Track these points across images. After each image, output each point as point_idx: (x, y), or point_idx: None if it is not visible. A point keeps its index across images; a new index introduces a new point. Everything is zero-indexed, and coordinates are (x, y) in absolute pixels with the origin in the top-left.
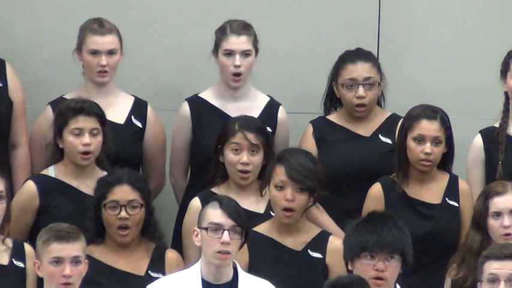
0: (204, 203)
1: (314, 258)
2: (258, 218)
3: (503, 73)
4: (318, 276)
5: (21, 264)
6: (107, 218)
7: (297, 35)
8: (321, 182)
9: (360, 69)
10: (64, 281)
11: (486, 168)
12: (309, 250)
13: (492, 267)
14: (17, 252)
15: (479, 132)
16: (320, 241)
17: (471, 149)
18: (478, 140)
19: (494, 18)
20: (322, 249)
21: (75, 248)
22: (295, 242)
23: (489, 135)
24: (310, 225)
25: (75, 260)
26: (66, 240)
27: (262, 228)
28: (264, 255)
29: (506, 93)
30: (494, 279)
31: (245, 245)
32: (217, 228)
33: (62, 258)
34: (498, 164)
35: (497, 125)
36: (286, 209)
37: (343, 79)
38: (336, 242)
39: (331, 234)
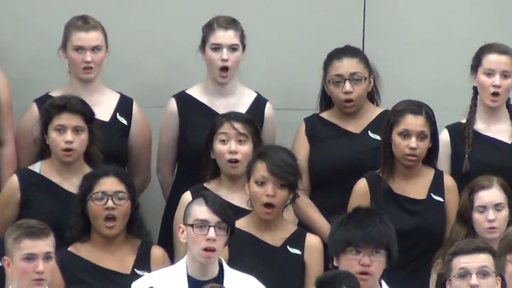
0: (196, 197)
1: (293, 254)
2: (247, 212)
3: (474, 68)
4: (297, 272)
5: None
6: (94, 210)
7: (285, 33)
8: (300, 179)
9: (346, 65)
10: (37, 277)
11: (453, 161)
12: (288, 246)
13: (462, 262)
14: None
15: (446, 127)
16: (298, 238)
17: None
18: (445, 135)
19: (475, 19)
20: (301, 245)
21: (47, 244)
22: (274, 238)
23: (456, 130)
24: (287, 222)
25: (47, 256)
26: (38, 236)
27: (240, 223)
28: (243, 251)
29: (474, 88)
30: (465, 274)
31: None
32: (203, 224)
33: (34, 255)
34: (465, 158)
35: (464, 120)
36: (267, 205)
37: (330, 75)
38: (312, 239)
39: (307, 231)
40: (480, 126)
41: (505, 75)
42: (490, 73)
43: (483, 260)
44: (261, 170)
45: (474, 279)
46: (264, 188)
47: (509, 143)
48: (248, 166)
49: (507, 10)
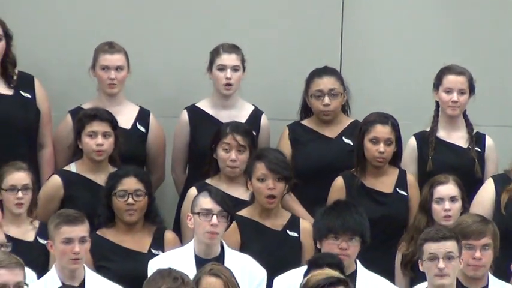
0: (201, 191)
1: (292, 237)
2: (245, 204)
3: (436, 86)
4: (296, 251)
5: (44, 242)
6: (117, 204)
7: (274, 58)
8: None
9: (325, 82)
10: (74, 257)
11: (419, 163)
12: (287, 230)
13: (431, 248)
14: (42, 231)
15: (414, 135)
16: (294, 223)
17: (407, 149)
18: (413, 141)
19: (436, 44)
20: (297, 229)
21: (82, 230)
22: (275, 223)
23: (421, 137)
24: (283, 210)
25: (82, 240)
26: (74, 223)
27: (245, 212)
28: (251, 236)
29: (436, 103)
30: (433, 258)
31: (236, 227)
32: (208, 213)
33: (71, 239)
34: (429, 160)
35: (428, 129)
36: (269, 196)
37: (312, 90)
38: (305, 224)
39: (300, 217)
40: (442, 133)
41: (461, 92)
42: (449, 91)
43: (449, 246)
44: (261, 168)
45: (441, 263)
46: (265, 183)
47: (465, 147)
48: (248, 167)
49: (462, 37)
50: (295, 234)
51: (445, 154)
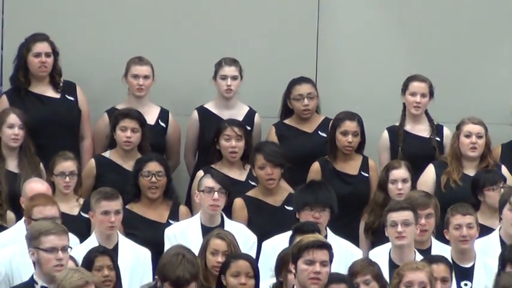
0: (205, 173)
1: (289, 211)
2: (241, 184)
3: (403, 91)
4: (292, 223)
5: (86, 216)
6: (143, 182)
7: (265, 68)
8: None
9: (304, 88)
10: (110, 225)
11: (391, 152)
12: (285, 206)
13: (392, 216)
14: (85, 208)
15: (386, 128)
16: (289, 199)
17: (381, 140)
18: (385, 134)
19: (401, 56)
20: (292, 205)
21: (116, 204)
22: (275, 200)
23: (392, 130)
24: (281, 189)
25: (117, 212)
26: (111, 198)
27: (252, 193)
28: (257, 211)
29: (404, 104)
30: (394, 224)
31: (244, 205)
32: (210, 190)
33: (108, 211)
34: (399, 149)
35: (397, 124)
36: (269, 180)
37: (294, 95)
38: None
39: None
40: (408, 127)
41: (423, 95)
42: (413, 94)
43: (406, 215)
44: (260, 159)
45: (399, 228)
46: (265, 171)
47: (428, 137)
48: (251, 158)
49: (423, 51)
50: (291, 208)
51: (412, 144)
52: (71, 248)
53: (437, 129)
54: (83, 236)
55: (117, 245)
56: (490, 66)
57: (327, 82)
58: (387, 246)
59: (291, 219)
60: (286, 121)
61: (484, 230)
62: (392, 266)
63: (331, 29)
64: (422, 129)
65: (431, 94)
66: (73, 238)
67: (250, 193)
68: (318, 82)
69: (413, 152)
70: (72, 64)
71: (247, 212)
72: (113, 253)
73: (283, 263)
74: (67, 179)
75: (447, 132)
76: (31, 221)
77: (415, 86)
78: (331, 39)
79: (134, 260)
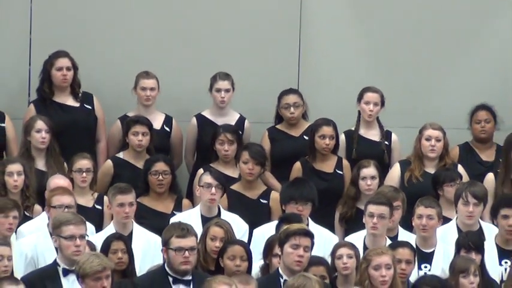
0: (204, 171)
1: (263, 203)
2: (235, 180)
3: (359, 100)
4: (265, 213)
5: (100, 207)
6: (151, 180)
7: (254, 80)
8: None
9: (291, 98)
10: (125, 215)
11: (347, 152)
12: (260, 199)
13: (371, 208)
14: (99, 200)
15: (343, 132)
16: (266, 193)
17: (339, 142)
18: (343, 137)
19: (358, 70)
20: (268, 198)
21: (130, 197)
22: (252, 194)
23: (349, 134)
24: (261, 184)
25: (131, 204)
26: (125, 192)
27: (234, 186)
28: (236, 202)
29: (358, 111)
30: (371, 215)
31: (226, 197)
32: (208, 185)
33: (123, 204)
34: (353, 150)
35: (353, 128)
36: (249, 174)
37: (282, 104)
38: (275, 195)
39: (272, 189)
40: (362, 132)
41: (375, 104)
42: (367, 103)
43: (382, 209)
44: (245, 155)
45: (375, 220)
46: (247, 165)
47: (378, 141)
48: (238, 153)
49: (389, 65)
50: (266, 202)
51: (364, 146)
52: (87, 235)
53: (386, 135)
54: (96, 224)
55: (131, 232)
56: (448, 77)
57: (307, 92)
58: (362, 233)
59: (264, 210)
60: (278, 126)
61: (444, 220)
62: (366, 250)
63: (311, 49)
64: (373, 134)
65: (382, 103)
66: (89, 226)
67: (233, 186)
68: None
69: (365, 153)
70: (90, 77)
71: (227, 202)
72: (127, 239)
73: (269, 248)
74: (84, 174)
75: (394, 138)
76: (50, 209)
77: (369, 96)
78: (311, 57)
79: (146, 245)
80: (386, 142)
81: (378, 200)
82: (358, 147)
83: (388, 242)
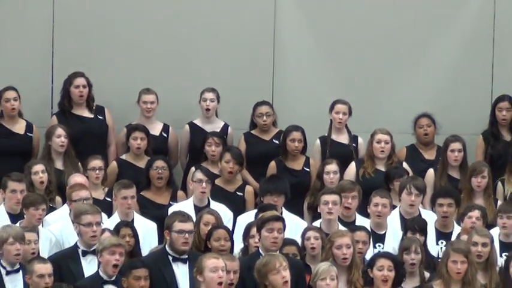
0: (196, 169)
1: (239, 195)
2: (218, 176)
3: (330, 110)
4: (241, 204)
5: (109, 199)
6: (152, 174)
7: (234, 94)
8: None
9: (263, 108)
10: (128, 206)
11: (322, 154)
12: (237, 192)
13: (325, 197)
14: (108, 194)
15: (318, 138)
16: (242, 187)
17: (314, 146)
18: (318, 141)
19: (332, 82)
20: (243, 191)
21: (132, 191)
22: (231, 187)
23: (323, 139)
24: (237, 180)
25: (133, 197)
26: (127, 187)
27: (217, 181)
28: (216, 194)
29: (330, 119)
30: (326, 203)
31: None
32: (200, 181)
33: (126, 197)
34: (327, 152)
35: (326, 134)
36: (229, 172)
37: (256, 113)
38: (249, 188)
39: (247, 184)
40: (334, 137)
41: (344, 113)
42: (337, 113)
43: (334, 198)
44: (227, 156)
45: (330, 206)
46: (228, 164)
47: (347, 144)
48: (220, 154)
49: (349, 81)
50: (241, 194)
51: (336, 149)
52: (103, 223)
53: (354, 139)
54: (106, 214)
55: (132, 220)
56: (397, 88)
57: (280, 101)
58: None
59: (240, 201)
60: (252, 131)
61: (393, 208)
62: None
63: (283, 68)
64: (343, 138)
65: (350, 113)
66: (103, 215)
67: (216, 181)
68: (274, 103)
69: (337, 154)
70: (102, 93)
71: (210, 194)
72: (133, 225)
73: (247, 232)
74: (97, 171)
75: (361, 141)
76: (71, 202)
77: (339, 107)
78: (283, 73)
79: (144, 230)
80: (354, 145)
81: (330, 190)
82: (331, 150)
83: (341, 227)
